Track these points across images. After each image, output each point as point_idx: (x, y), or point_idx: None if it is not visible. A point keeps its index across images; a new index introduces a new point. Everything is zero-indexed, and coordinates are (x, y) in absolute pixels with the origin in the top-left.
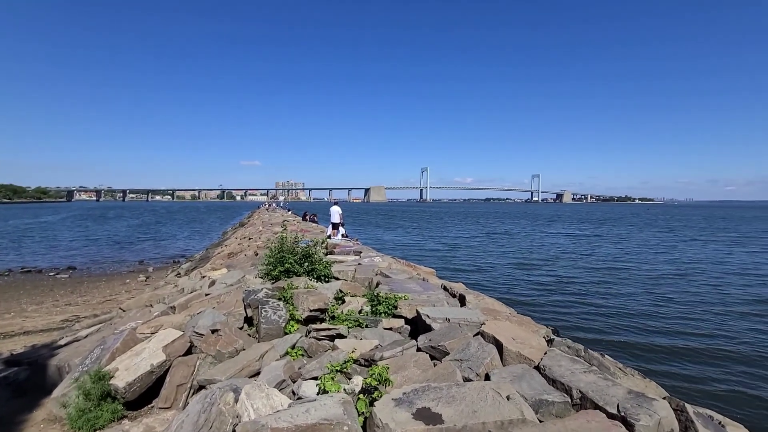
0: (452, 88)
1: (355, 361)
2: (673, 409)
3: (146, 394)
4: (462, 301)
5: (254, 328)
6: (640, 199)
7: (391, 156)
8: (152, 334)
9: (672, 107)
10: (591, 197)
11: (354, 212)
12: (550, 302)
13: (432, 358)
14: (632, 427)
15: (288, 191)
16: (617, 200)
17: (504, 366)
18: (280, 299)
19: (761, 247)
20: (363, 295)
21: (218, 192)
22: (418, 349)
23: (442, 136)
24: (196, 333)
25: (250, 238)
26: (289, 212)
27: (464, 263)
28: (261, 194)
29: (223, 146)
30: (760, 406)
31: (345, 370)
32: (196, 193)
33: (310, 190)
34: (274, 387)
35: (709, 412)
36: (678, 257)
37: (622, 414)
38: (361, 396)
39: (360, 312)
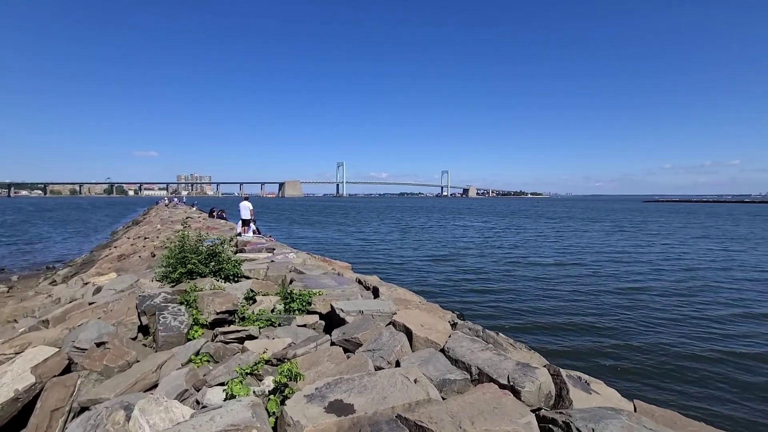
0: (367, 84)
1: (267, 362)
2: (551, 375)
3: (11, 426)
4: (376, 293)
5: (151, 337)
6: (531, 194)
7: (307, 150)
8: (16, 354)
9: (556, 113)
10: (492, 192)
11: (268, 208)
12: (457, 289)
13: (346, 350)
14: (519, 394)
15: (192, 185)
16: (513, 194)
17: (413, 351)
18: (181, 303)
19: (628, 234)
20: (276, 293)
21: (105, 186)
22: (332, 344)
23: (359, 131)
24: (77, 348)
25: (146, 238)
26: (194, 208)
27: (380, 257)
28: (160, 189)
29: (111, 133)
30: (620, 367)
31: (256, 371)
32: (77, 188)
33: (218, 184)
34: (175, 398)
35: (578, 374)
36: (564, 245)
37: (511, 384)
38: (272, 396)
39: (273, 311)
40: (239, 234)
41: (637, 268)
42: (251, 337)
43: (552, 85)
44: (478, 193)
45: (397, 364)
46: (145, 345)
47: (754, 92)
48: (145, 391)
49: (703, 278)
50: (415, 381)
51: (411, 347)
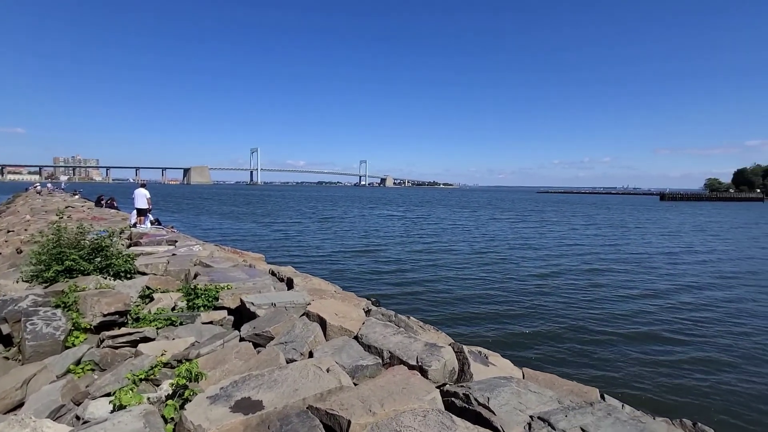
0: (284, 70)
1: (166, 365)
2: (455, 352)
3: None
4: (290, 284)
5: (15, 348)
6: (443, 184)
7: (217, 135)
8: None
9: (466, 109)
10: (408, 182)
11: (171, 196)
12: (374, 277)
13: (256, 345)
14: (426, 373)
15: (75, 170)
16: (428, 185)
17: (328, 341)
18: (57, 306)
19: (529, 223)
20: (178, 290)
21: None
22: (242, 339)
23: (275, 117)
24: None
25: (9, 231)
26: (77, 196)
27: (296, 247)
28: (30, 172)
29: None
30: (514, 340)
31: (152, 376)
32: None
33: (108, 168)
34: (48, 416)
35: (479, 349)
36: (476, 234)
37: (420, 364)
38: (169, 401)
39: (174, 309)
40: (134, 225)
41: (536, 253)
42: (146, 339)
43: (464, 83)
44: (395, 183)
45: (311, 355)
46: (7, 358)
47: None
48: (6, 413)
49: (591, 261)
50: (328, 370)
51: (325, 336)
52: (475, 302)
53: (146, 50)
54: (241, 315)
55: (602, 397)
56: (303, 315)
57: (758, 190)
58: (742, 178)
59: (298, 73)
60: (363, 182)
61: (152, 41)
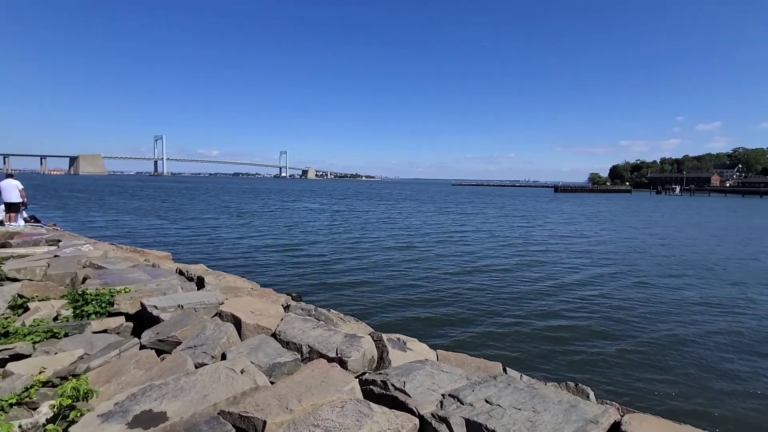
0: (200, 56)
1: (46, 384)
2: (375, 341)
3: None
4: (200, 283)
5: None
6: (366, 176)
7: (114, 120)
8: None
9: (387, 102)
10: (331, 174)
11: (54, 189)
12: (296, 272)
13: (161, 352)
14: (345, 364)
15: None
16: (350, 177)
17: (243, 341)
18: None
19: (454, 213)
20: (62, 296)
21: None
22: (143, 347)
23: (183, 103)
24: None
25: None
26: None
27: (209, 243)
28: None
29: None
30: (430, 324)
31: (27, 399)
32: None
33: None
34: None
35: (398, 336)
36: (400, 226)
37: (339, 356)
38: (50, 426)
39: (56, 318)
40: (1, 223)
41: (454, 243)
42: (19, 357)
43: (386, 76)
44: (317, 175)
45: (224, 357)
46: None
47: (526, 99)
48: None
49: (502, 248)
50: (242, 371)
51: (240, 336)
52: (397, 292)
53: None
54: (143, 320)
55: (504, 370)
56: (215, 315)
57: (627, 183)
58: (615, 172)
59: (212, 59)
60: (284, 174)
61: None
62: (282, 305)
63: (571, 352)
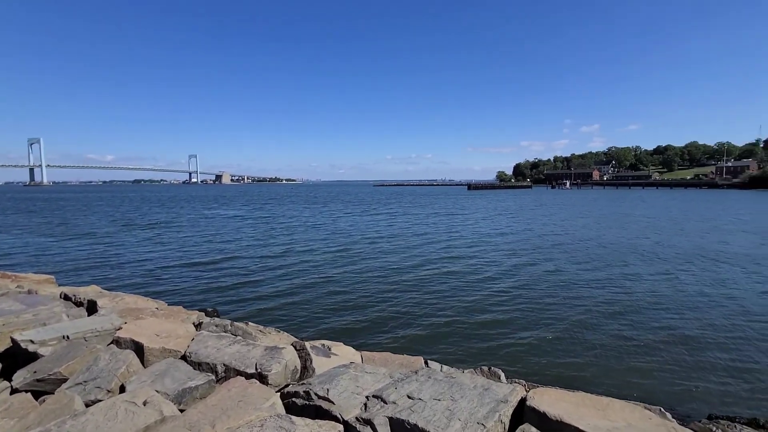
0: (87, 51)
1: None
2: (297, 350)
3: None
4: (92, 308)
5: None
6: (286, 180)
7: None
8: None
9: (308, 104)
10: (248, 178)
11: None
12: (210, 285)
13: (41, 394)
14: (266, 378)
15: None
16: (269, 180)
17: (146, 368)
18: None
19: (383, 214)
20: None
21: None
22: (14, 391)
23: (68, 104)
24: None
25: None
26: None
27: (108, 262)
28: None
29: None
30: (355, 327)
31: None
32: None
33: None
34: None
35: (322, 342)
36: (329, 230)
37: (259, 371)
38: None
39: None
40: None
41: (382, 243)
42: None
43: (302, 75)
44: (232, 180)
45: (123, 390)
46: None
47: (438, 100)
48: None
49: (431, 244)
50: (145, 403)
51: (143, 363)
52: (324, 298)
53: None
54: (16, 359)
55: (426, 363)
56: (111, 343)
57: (528, 180)
58: (518, 170)
59: (105, 53)
60: (194, 179)
61: None
62: (193, 323)
63: (487, 339)
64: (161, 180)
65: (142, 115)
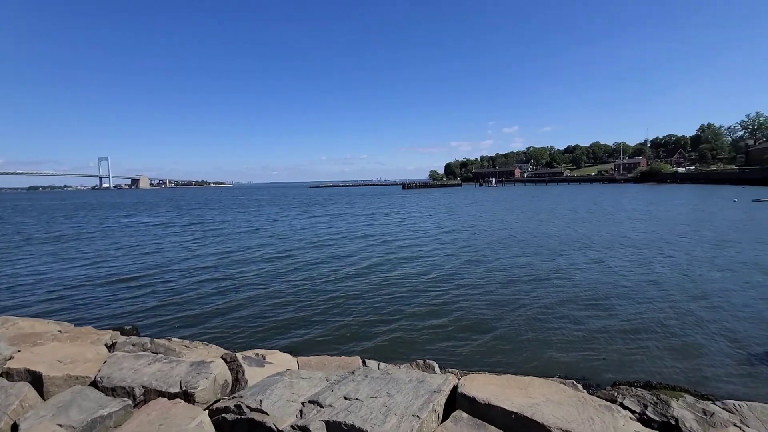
0: None
1: None
2: (228, 362)
3: None
4: None
5: None
6: (214, 183)
7: None
8: None
9: (237, 104)
10: (171, 182)
11: None
12: (132, 302)
13: None
14: (192, 396)
15: None
16: (195, 184)
17: (47, 400)
18: None
19: (323, 216)
20: None
21: None
22: None
23: None
24: None
25: None
26: None
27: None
28: None
29: None
30: (293, 332)
31: None
32: None
33: None
34: None
35: (256, 351)
36: (261, 232)
37: (184, 389)
38: None
39: None
40: None
41: (320, 245)
42: None
43: (233, 73)
44: (152, 184)
45: (16, 429)
46: None
47: (374, 101)
48: None
49: (374, 246)
50: None
51: (42, 395)
52: (259, 306)
53: None
54: None
55: (364, 362)
56: (0, 376)
57: (458, 178)
58: (449, 169)
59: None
60: (106, 184)
61: None
62: (106, 344)
63: (424, 333)
64: (64, 186)
65: (39, 116)
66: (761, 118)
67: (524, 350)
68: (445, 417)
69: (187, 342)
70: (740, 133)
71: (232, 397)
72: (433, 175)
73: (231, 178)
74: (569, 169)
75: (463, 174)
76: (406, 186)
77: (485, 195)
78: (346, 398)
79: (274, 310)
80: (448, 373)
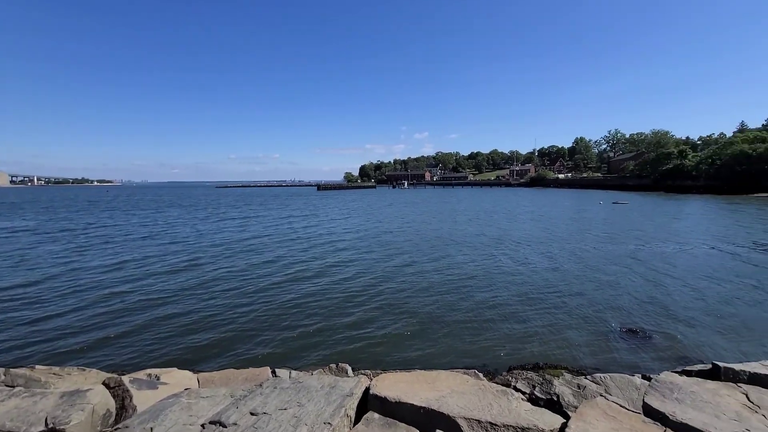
0: None
1: None
2: (111, 388)
3: None
4: None
5: None
6: (98, 181)
7: None
8: None
9: (127, 94)
10: (40, 179)
11: None
12: None
13: None
14: None
15: None
16: (73, 182)
17: None
18: None
19: (237, 219)
20: None
21: None
22: None
23: None
24: None
25: None
26: None
27: None
28: None
29: None
30: (194, 347)
31: None
32: None
33: None
34: None
35: (148, 371)
36: (159, 239)
37: (51, 426)
38: None
39: None
40: None
41: (240, 251)
42: None
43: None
44: (14, 182)
45: None
46: None
47: (288, 102)
48: None
49: (289, 251)
50: None
51: None
52: (155, 320)
53: None
54: None
55: (274, 373)
56: None
57: (372, 180)
58: (364, 171)
59: None
60: None
61: None
62: None
63: (338, 336)
64: None
65: None
66: (618, 135)
67: (435, 344)
68: (358, 419)
69: (56, 369)
70: (604, 146)
71: (116, 429)
72: (348, 176)
73: (120, 176)
74: (473, 173)
75: (377, 176)
76: (321, 187)
77: (399, 197)
78: (252, 414)
79: (172, 324)
80: (361, 375)
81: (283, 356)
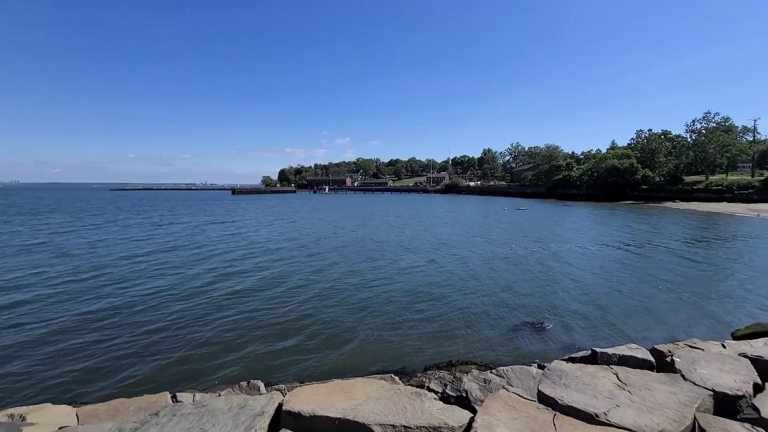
0: None
1: None
2: None
3: None
4: None
5: None
6: None
7: None
8: None
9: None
10: None
11: None
12: None
13: None
14: None
15: None
16: None
17: None
18: None
19: (142, 227)
20: None
21: None
22: None
23: None
24: None
25: None
26: None
27: None
28: None
29: None
30: (75, 373)
31: None
32: None
33: None
34: None
35: (11, 411)
36: (42, 251)
37: None
38: None
39: None
40: None
41: (146, 264)
42: None
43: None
44: None
45: None
46: None
47: (202, 102)
48: None
49: (203, 260)
50: None
51: None
52: (18, 348)
53: None
54: None
55: (174, 398)
56: None
57: (293, 185)
58: (283, 175)
59: None
60: None
61: None
62: None
63: (252, 351)
64: None
65: None
66: (519, 147)
67: (355, 351)
68: None
69: None
70: (507, 158)
71: None
72: (267, 180)
73: None
74: (392, 179)
75: (297, 181)
76: (236, 191)
77: (321, 202)
78: None
79: (47, 349)
80: (275, 391)
81: (186, 378)
